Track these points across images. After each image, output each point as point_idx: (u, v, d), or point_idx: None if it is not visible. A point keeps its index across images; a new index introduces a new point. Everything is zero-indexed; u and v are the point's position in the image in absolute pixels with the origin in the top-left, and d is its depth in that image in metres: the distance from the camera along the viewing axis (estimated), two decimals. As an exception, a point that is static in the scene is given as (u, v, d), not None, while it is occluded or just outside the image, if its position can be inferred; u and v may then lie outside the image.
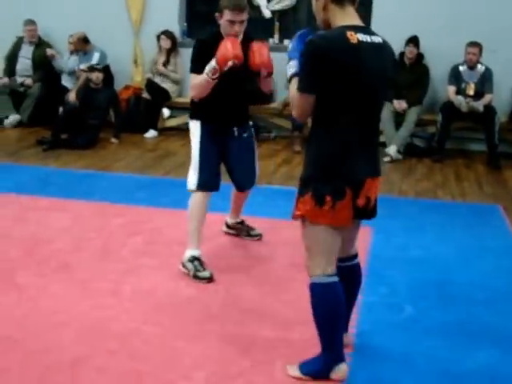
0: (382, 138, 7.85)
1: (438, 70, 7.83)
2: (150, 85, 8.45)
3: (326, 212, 2.74)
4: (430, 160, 7.42)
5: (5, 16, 8.72)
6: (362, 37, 2.65)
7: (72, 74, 8.64)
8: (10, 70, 8.78)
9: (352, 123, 2.72)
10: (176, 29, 8.76)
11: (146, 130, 8.31)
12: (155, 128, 8.36)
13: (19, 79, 8.66)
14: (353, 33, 2.63)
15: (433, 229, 5.14)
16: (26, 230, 4.78)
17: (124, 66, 8.73)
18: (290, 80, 2.78)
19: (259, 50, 3.86)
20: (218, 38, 3.92)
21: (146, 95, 8.42)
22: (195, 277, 3.99)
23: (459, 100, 7.39)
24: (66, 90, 8.43)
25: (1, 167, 6.56)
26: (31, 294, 3.77)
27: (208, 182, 4.09)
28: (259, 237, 4.77)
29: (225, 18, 3.90)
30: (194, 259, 4.05)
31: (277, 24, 8.73)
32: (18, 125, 8.47)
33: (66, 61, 8.67)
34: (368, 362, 3.20)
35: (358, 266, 3.17)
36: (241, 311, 3.66)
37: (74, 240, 4.62)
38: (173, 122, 8.63)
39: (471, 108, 7.35)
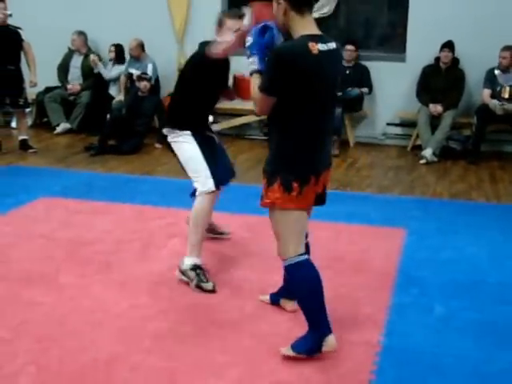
0: (418, 141, 7.76)
1: (474, 73, 7.65)
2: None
3: (294, 197, 2.92)
4: (465, 162, 7.25)
5: (58, 28, 8.82)
6: (321, 46, 2.79)
7: (116, 81, 8.70)
8: (62, 80, 8.89)
9: (312, 122, 2.91)
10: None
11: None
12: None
13: (70, 87, 8.75)
14: (314, 43, 2.76)
15: (466, 230, 5.01)
16: (71, 232, 4.80)
17: (168, 74, 8.73)
18: (251, 74, 2.97)
19: (243, 89, 3.87)
20: None
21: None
22: (198, 287, 3.81)
23: (494, 103, 7.21)
24: (112, 98, 8.50)
25: (50, 172, 6.62)
26: (72, 293, 3.78)
27: (221, 177, 4.01)
28: (229, 235, 4.71)
29: (227, 27, 3.86)
30: (196, 268, 3.85)
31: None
32: (68, 132, 8.56)
33: (110, 69, 8.73)
34: (397, 361, 3.12)
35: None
36: (274, 311, 3.61)
37: (116, 242, 4.62)
38: (216, 128, 8.60)
39: (506, 111, 7.16)
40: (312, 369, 3.04)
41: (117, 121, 7.80)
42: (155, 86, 8.45)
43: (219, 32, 3.86)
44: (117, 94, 8.62)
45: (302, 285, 3.05)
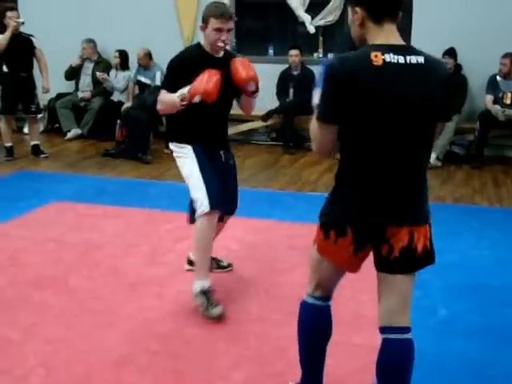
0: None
1: (476, 79, 7.63)
2: (201, 99, 8.44)
3: (330, 246, 2.39)
4: (469, 167, 7.23)
5: (69, 35, 8.85)
6: (390, 57, 2.19)
7: (124, 90, 8.71)
8: (74, 87, 8.92)
9: (375, 158, 2.25)
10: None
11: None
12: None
13: (80, 94, 8.78)
14: (379, 53, 2.18)
15: (470, 234, 4.99)
16: (81, 235, 4.81)
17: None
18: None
19: (243, 64, 3.49)
20: (198, 51, 3.59)
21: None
22: (206, 313, 3.49)
23: (496, 109, 7.19)
24: (122, 104, 8.51)
25: (61, 177, 6.63)
26: (82, 296, 3.78)
27: (219, 198, 3.54)
28: (231, 267, 4.18)
29: (211, 27, 3.44)
30: (203, 293, 3.51)
31: (321, 39, 8.65)
32: (79, 137, 8.58)
33: (114, 78, 8.72)
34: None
35: (405, 343, 2.51)
36: (280, 313, 3.60)
37: (125, 245, 4.63)
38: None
39: (508, 116, 7.15)
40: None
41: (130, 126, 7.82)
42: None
43: (204, 30, 3.53)
44: (125, 98, 8.65)
45: (302, 326, 2.65)
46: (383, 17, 2.26)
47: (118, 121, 8.32)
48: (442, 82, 2.30)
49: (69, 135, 8.58)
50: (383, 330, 2.48)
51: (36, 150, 7.56)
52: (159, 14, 8.71)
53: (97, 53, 8.85)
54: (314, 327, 2.63)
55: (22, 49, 7.26)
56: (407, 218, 2.31)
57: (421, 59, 2.24)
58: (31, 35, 7.42)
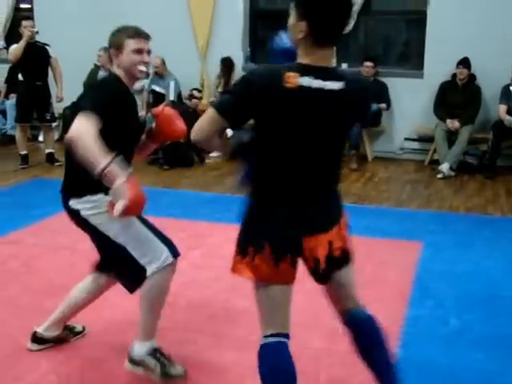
0: (435, 156, 7.73)
1: (490, 89, 7.64)
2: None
3: (248, 264, 2.32)
4: (482, 177, 7.23)
5: (84, 44, 8.92)
6: (306, 81, 2.13)
7: (137, 93, 8.78)
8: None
9: (282, 172, 2.25)
10: (240, 54, 8.80)
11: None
12: (219, 147, 8.39)
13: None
14: (297, 75, 2.12)
15: (482, 243, 4.98)
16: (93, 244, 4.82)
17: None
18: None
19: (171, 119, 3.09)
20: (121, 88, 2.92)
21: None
22: (165, 375, 2.93)
23: (509, 119, 7.18)
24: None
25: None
26: (94, 303, 3.78)
27: (175, 247, 3.03)
28: (84, 329, 3.43)
29: (128, 50, 2.87)
30: (155, 352, 2.96)
31: (334, 48, 8.64)
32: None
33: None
34: (412, 373, 3.09)
35: (362, 319, 2.57)
36: (291, 322, 3.60)
37: (138, 253, 4.64)
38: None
39: (521, 127, 7.15)
40: (328, 379, 3.03)
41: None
42: (177, 103, 8.52)
43: (117, 57, 2.90)
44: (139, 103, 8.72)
45: (260, 371, 2.45)
46: (324, 42, 2.18)
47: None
48: (360, 106, 2.31)
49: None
50: (349, 311, 2.54)
51: (51, 158, 7.62)
52: (174, 23, 8.78)
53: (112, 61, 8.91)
54: (283, 371, 2.46)
55: (38, 58, 7.34)
56: (321, 226, 2.33)
57: (340, 85, 2.18)
58: (46, 44, 7.50)
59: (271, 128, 2.21)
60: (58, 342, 3.25)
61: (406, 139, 8.27)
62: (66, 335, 3.27)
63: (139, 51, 2.88)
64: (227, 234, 5.01)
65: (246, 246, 2.32)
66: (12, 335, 3.39)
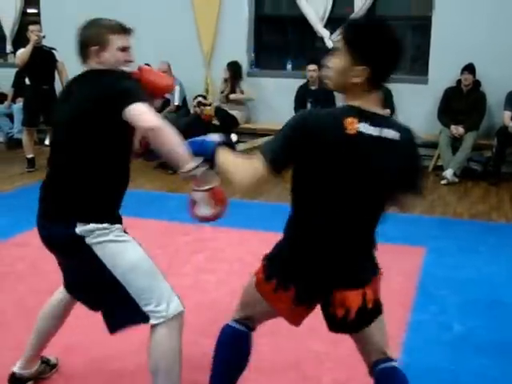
0: (439, 162, 7.73)
1: (495, 95, 7.64)
2: (220, 112, 8.53)
3: (270, 291, 2.31)
4: (486, 183, 7.23)
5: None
6: (365, 128, 2.06)
7: None
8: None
9: (324, 220, 2.17)
10: (244, 59, 8.82)
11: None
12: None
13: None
14: (355, 120, 2.05)
15: (486, 250, 4.98)
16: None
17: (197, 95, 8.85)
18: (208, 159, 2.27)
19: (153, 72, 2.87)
20: None
21: (215, 122, 8.50)
22: None
23: (513, 127, 7.19)
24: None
25: (81, 188, 6.70)
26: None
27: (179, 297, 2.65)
28: (57, 362, 3.17)
29: (114, 47, 2.58)
30: None
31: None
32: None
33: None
34: (415, 378, 3.07)
35: (385, 372, 2.39)
36: (293, 326, 3.61)
37: (142, 256, 4.66)
38: (240, 147, 8.64)
39: (526, 133, 7.15)
40: (330, 383, 3.03)
41: None
42: (182, 107, 8.56)
43: (99, 54, 2.59)
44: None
45: (217, 346, 2.59)
46: (379, 84, 2.13)
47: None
48: (413, 157, 2.25)
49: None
50: (375, 364, 2.40)
51: (56, 162, 7.64)
52: (179, 28, 8.82)
53: (118, 66, 8.95)
54: (232, 352, 2.56)
55: (44, 62, 7.38)
56: (355, 281, 2.25)
57: (396, 135, 2.12)
58: (53, 48, 7.53)
59: (320, 174, 2.12)
60: (37, 377, 3.01)
61: (410, 145, 8.27)
62: (44, 369, 3.05)
63: (124, 49, 2.61)
64: (230, 238, 5.08)
65: (272, 276, 2.29)
66: (18, 336, 3.41)
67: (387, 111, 7.95)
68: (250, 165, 2.13)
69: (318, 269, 2.21)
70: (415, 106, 8.10)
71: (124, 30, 2.62)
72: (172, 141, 2.32)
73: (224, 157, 2.24)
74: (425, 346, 3.41)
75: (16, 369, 2.93)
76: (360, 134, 2.05)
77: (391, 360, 2.39)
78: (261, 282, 2.34)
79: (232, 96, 8.55)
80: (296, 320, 2.40)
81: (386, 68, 2.10)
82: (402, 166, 2.17)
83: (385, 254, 4.78)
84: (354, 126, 2.04)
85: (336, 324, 2.32)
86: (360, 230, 2.23)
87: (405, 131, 2.18)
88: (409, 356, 3.27)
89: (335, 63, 2.13)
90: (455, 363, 3.25)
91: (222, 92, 8.65)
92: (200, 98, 8.25)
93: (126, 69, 2.56)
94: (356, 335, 2.39)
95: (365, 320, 2.30)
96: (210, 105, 8.23)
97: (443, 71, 7.85)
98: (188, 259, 4.63)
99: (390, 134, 2.11)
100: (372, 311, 2.31)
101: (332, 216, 2.16)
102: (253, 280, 2.41)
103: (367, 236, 2.28)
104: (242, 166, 2.16)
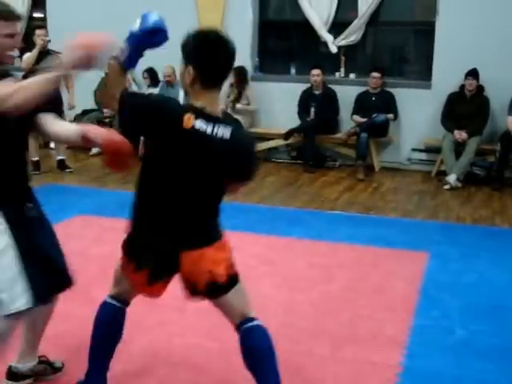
0: (442, 167, 7.74)
1: (498, 100, 7.64)
2: (224, 116, 8.54)
3: (129, 272, 2.61)
4: (489, 188, 7.22)
5: (94, 54, 9.00)
6: (200, 124, 2.36)
7: None
8: (99, 103, 9.07)
9: (162, 199, 2.46)
10: (249, 64, 8.84)
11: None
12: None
13: (106, 111, 8.93)
14: (192, 116, 2.35)
15: (489, 255, 4.98)
16: (103, 248, 4.87)
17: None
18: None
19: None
20: None
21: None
22: None
23: (516, 131, 7.19)
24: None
25: (85, 191, 6.74)
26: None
27: (46, 288, 2.73)
28: (63, 366, 3.15)
29: (1, 33, 2.48)
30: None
31: (343, 58, 8.71)
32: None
33: (145, 91, 8.89)
34: (418, 383, 3.11)
35: (246, 331, 2.67)
36: (297, 330, 3.63)
37: (146, 259, 4.68)
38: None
39: (529, 139, 7.14)
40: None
41: None
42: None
43: None
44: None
45: (94, 324, 2.83)
46: (210, 85, 2.40)
47: (142, 137, 8.46)
48: (240, 153, 2.47)
49: (93, 151, 8.69)
50: (239, 325, 2.68)
51: (61, 165, 7.68)
52: (183, 32, 8.81)
53: (123, 70, 8.97)
54: (108, 325, 2.80)
55: (50, 66, 7.40)
56: (194, 243, 2.50)
57: (227, 134, 2.38)
58: (59, 52, 7.55)
59: (159, 157, 2.42)
60: (36, 376, 3.01)
61: (413, 150, 8.28)
62: (44, 369, 3.05)
63: (11, 35, 2.52)
64: (232, 242, 5.05)
65: (131, 259, 2.56)
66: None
67: (391, 116, 7.99)
68: None
69: (162, 241, 2.48)
70: (418, 110, 8.12)
71: (13, 16, 2.54)
72: (34, 84, 2.40)
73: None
74: (427, 350, 3.41)
75: (12, 363, 2.97)
76: (194, 128, 2.35)
77: (252, 320, 2.67)
78: (124, 264, 2.61)
79: (238, 106, 8.56)
80: (155, 294, 2.70)
81: (209, 69, 2.39)
82: (228, 160, 2.42)
83: (388, 258, 4.86)
84: (191, 121, 2.34)
85: (195, 292, 2.61)
86: (192, 205, 2.47)
87: (236, 132, 2.44)
88: (411, 360, 3.28)
89: (180, 68, 2.49)
90: (457, 368, 3.26)
91: (228, 96, 8.66)
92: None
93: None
94: (216, 302, 2.68)
95: (219, 287, 2.57)
96: None
97: (447, 76, 7.86)
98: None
99: (221, 132, 2.37)
100: (231, 280, 2.60)
101: (168, 195, 2.44)
102: (120, 261, 2.65)
103: (199, 211, 2.51)
104: None
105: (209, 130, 2.36)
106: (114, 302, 2.79)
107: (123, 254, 2.61)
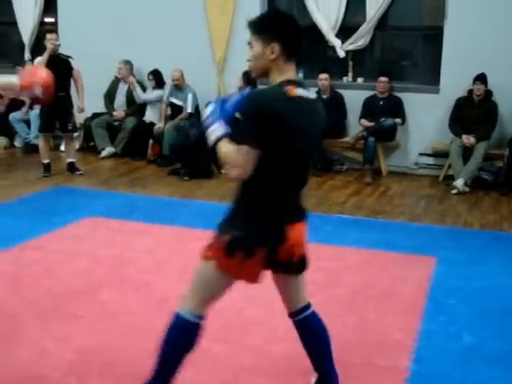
0: (450, 172, 7.71)
1: (507, 105, 7.61)
2: (233, 120, 8.54)
3: (234, 265, 2.50)
4: (497, 193, 7.18)
5: (105, 57, 9.01)
6: (300, 92, 2.47)
7: (155, 104, 8.87)
8: (109, 107, 9.09)
9: (285, 180, 2.50)
10: (257, 68, 8.81)
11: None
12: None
13: (115, 114, 8.94)
14: (292, 87, 2.44)
15: (496, 260, 4.94)
16: (112, 251, 4.87)
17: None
18: (215, 143, 2.48)
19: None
20: None
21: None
22: None
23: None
24: (153, 124, 8.66)
25: (95, 193, 6.74)
26: (112, 309, 3.83)
27: None
28: None
29: None
30: None
31: (350, 63, 8.69)
32: (112, 156, 8.72)
33: (150, 93, 8.91)
34: (425, 387, 3.09)
35: (310, 317, 2.83)
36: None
37: (155, 261, 4.68)
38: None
39: (537, 144, 7.10)
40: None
41: (187, 147, 7.82)
42: (195, 115, 8.57)
43: None
44: (155, 118, 8.80)
45: (174, 341, 2.68)
46: (293, 58, 2.53)
47: (151, 140, 8.49)
48: (324, 116, 2.65)
49: (103, 153, 8.72)
50: (294, 314, 2.83)
51: (71, 167, 7.69)
52: (192, 36, 8.83)
53: (132, 74, 8.98)
54: (188, 345, 2.66)
55: (60, 70, 7.40)
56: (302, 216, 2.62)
57: (313, 95, 2.61)
58: (69, 56, 7.58)
59: (279, 138, 2.40)
60: None
61: (421, 154, 8.25)
62: None
63: None
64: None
65: (235, 250, 2.47)
66: (34, 336, 3.44)
67: (398, 120, 7.96)
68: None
69: (284, 217, 2.51)
70: (426, 115, 8.09)
71: None
72: None
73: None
74: (435, 355, 3.39)
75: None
76: (298, 96, 2.45)
77: (310, 307, 2.83)
78: (223, 261, 2.51)
79: None
80: (259, 279, 2.64)
81: (296, 44, 2.52)
82: (320, 120, 2.62)
83: (395, 263, 4.83)
84: (294, 90, 2.44)
85: (282, 266, 2.62)
86: (303, 180, 2.60)
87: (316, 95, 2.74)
88: (419, 365, 3.26)
89: (253, 52, 2.53)
90: (465, 373, 3.23)
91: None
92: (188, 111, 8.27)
93: None
94: (289, 280, 2.74)
95: (303, 263, 2.68)
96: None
97: (455, 81, 7.82)
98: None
99: (311, 95, 2.58)
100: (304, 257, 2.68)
101: (288, 174, 2.50)
102: (207, 266, 2.58)
103: (306, 181, 2.62)
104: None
105: (309, 95, 2.54)
106: (199, 322, 2.67)
107: (226, 252, 2.48)
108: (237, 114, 2.48)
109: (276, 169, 2.47)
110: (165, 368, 2.70)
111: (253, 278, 2.61)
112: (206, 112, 2.55)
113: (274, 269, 2.67)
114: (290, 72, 2.53)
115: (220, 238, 2.52)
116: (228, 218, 2.56)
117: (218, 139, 2.47)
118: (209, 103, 2.63)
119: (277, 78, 2.51)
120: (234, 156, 2.41)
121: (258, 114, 2.37)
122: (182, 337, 2.66)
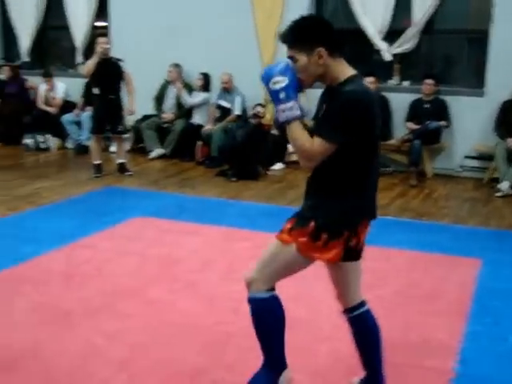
0: (494, 174, 7.58)
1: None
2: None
3: (319, 247, 2.56)
4: (544, 196, 7.04)
5: (156, 60, 9.12)
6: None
7: (201, 107, 8.95)
8: (159, 109, 9.21)
9: (369, 169, 2.59)
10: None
11: (274, 163, 8.35)
12: (282, 161, 8.41)
13: (165, 116, 9.05)
14: (367, 81, 2.51)
15: (542, 263, 4.85)
16: (161, 250, 4.93)
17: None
18: (288, 122, 2.47)
19: None
20: None
21: (274, 131, 8.51)
22: None
23: None
24: (201, 127, 8.73)
25: (144, 194, 6.83)
26: (161, 307, 3.87)
27: None
28: None
29: None
30: None
31: (396, 66, 8.61)
32: (162, 157, 8.82)
33: (196, 95, 8.98)
34: (470, 389, 3.05)
35: (365, 314, 2.81)
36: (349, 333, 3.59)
37: (203, 261, 4.72)
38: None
39: None
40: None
41: (235, 149, 7.89)
42: (243, 118, 8.61)
43: None
44: (203, 120, 8.87)
45: (263, 321, 2.76)
46: (340, 49, 2.53)
47: (199, 142, 8.57)
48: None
49: (152, 154, 8.82)
50: (349, 310, 2.80)
51: (122, 168, 7.80)
52: (240, 40, 8.87)
53: (181, 78, 9.07)
54: (277, 318, 2.76)
55: (111, 73, 7.54)
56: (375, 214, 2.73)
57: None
58: (120, 60, 7.69)
59: (367, 133, 2.46)
60: None
61: (466, 157, 8.13)
62: None
63: None
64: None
65: (320, 233, 2.51)
66: (85, 335, 3.49)
67: (443, 123, 7.86)
68: None
69: (366, 208, 2.66)
70: (471, 118, 7.97)
71: None
72: None
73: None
74: (480, 356, 3.35)
75: None
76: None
77: (365, 304, 2.81)
78: (306, 245, 2.55)
79: None
80: (340, 258, 2.63)
81: (339, 42, 2.54)
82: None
83: (440, 264, 4.78)
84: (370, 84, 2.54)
85: (350, 252, 2.62)
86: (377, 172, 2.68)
87: None
88: (464, 366, 3.22)
89: (299, 64, 2.50)
90: (510, 375, 3.18)
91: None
92: (258, 109, 8.27)
93: None
94: (350, 268, 2.73)
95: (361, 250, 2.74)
96: (263, 117, 8.23)
97: (500, 84, 7.69)
98: (247, 264, 4.63)
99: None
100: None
101: (372, 162, 2.57)
102: (289, 250, 2.60)
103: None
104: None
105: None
106: (274, 294, 2.77)
107: (311, 236, 2.54)
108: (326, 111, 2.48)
109: (361, 160, 2.51)
110: (276, 351, 2.80)
111: (335, 257, 2.61)
112: (279, 80, 2.52)
113: (345, 255, 2.65)
114: (347, 66, 2.53)
115: (303, 226, 2.55)
116: (310, 206, 2.60)
117: (291, 120, 2.46)
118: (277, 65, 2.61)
119: (341, 77, 2.49)
120: (310, 148, 2.43)
121: (363, 118, 2.40)
122: (267, 315, 2.73)
